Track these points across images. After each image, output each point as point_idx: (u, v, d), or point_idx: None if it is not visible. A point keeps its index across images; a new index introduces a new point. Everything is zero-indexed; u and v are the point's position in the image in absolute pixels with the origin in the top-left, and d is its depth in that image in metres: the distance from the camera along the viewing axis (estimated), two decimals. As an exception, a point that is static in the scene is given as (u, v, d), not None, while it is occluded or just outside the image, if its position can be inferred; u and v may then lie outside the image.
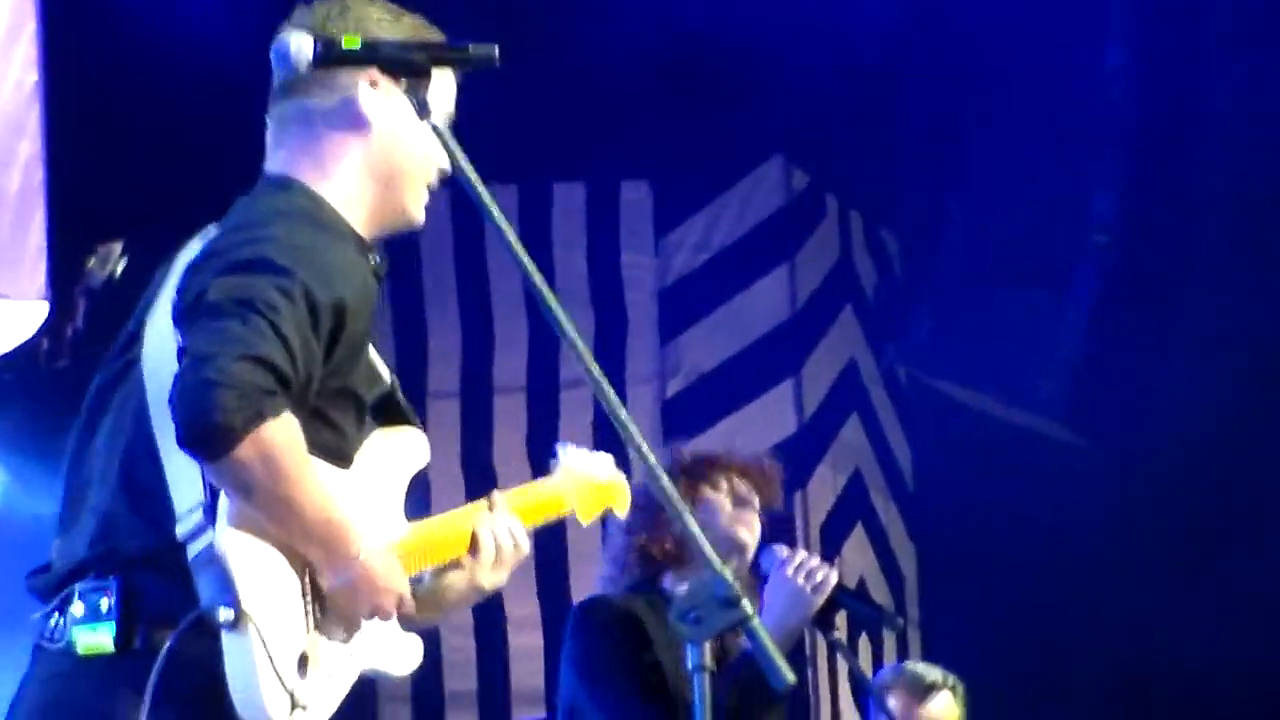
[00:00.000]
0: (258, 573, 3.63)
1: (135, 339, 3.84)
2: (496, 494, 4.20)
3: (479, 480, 9.68)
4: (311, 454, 3.69)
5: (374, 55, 3.88)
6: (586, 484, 4.53)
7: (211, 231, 3.87)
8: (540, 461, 9.67)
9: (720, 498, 5.74)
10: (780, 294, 10.23)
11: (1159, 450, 10.10)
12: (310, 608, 3.73)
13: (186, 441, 3.55)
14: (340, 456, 3.84)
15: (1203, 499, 10.24)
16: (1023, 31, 9.57)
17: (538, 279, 3.76)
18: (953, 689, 7.31)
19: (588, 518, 4.55)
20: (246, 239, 3.72)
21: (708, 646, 3.67)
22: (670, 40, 9.23)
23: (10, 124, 7.53)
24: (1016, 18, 9.51)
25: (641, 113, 9.49)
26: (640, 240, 10.07)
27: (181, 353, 3.62)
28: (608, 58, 9.14)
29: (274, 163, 3.98)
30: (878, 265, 10.75)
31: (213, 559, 3.59)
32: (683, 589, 4.96)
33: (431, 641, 9.82)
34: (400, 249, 9.69)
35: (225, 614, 3.56)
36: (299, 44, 3.82)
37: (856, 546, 10.26)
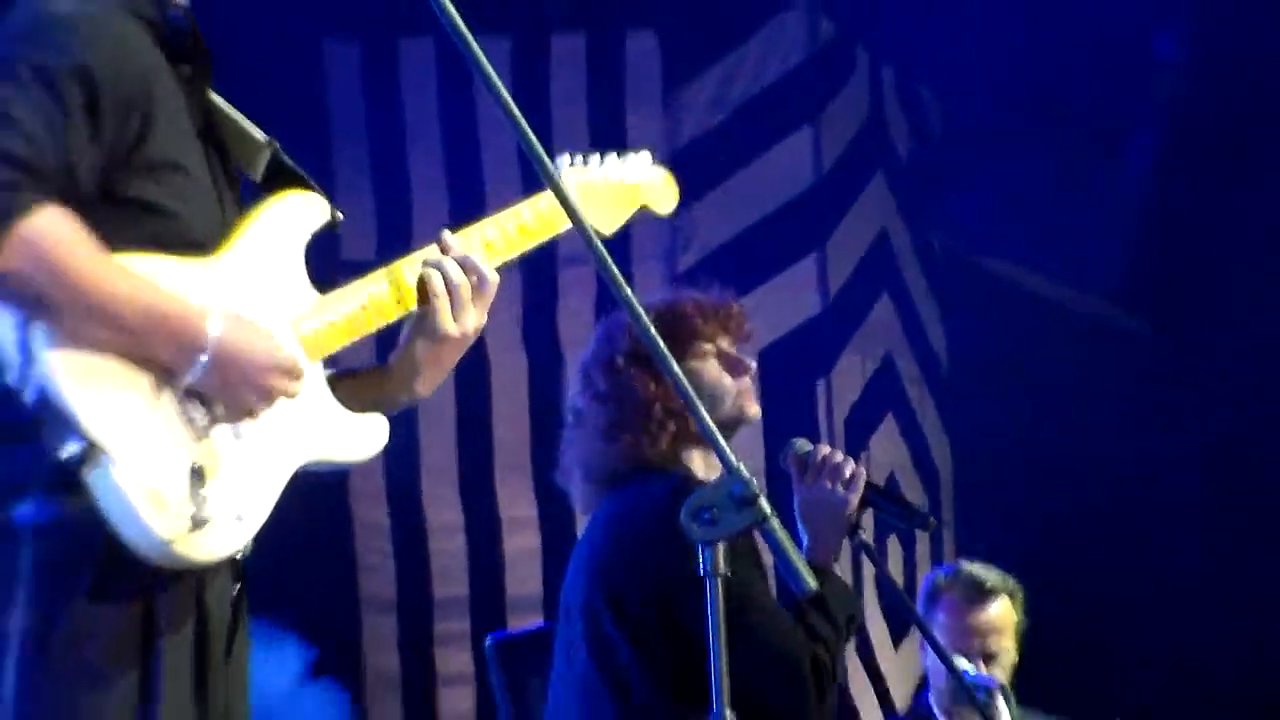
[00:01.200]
0: (100, 394, 3.61)
1: None
2: (446, 233, 4.19)
3: (470, 368, 9.70)
4: (138, 247, 3.69)
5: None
6: (603, 188, 4.54)
7: None
8: (537, 347, 9.81)
9: (709, 366, 5.72)
10: (803, 158, 10.24)
11: (1227, 338, 10.13)
12: (187, 414, 3.72)
13: None
14: (186, 243, 3.81)
15: (1256, 401, 10.26)
16: None
17: (531, 138, 3.79)
18: (1011, 594, 7.36)
19: (609, 227, 4.54)
20: None
21: (721, 548, 3.70)
22: None
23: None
24: None
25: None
26: (647, 97, 10.04)
27: None
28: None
29: None
30: (912, 126, 10.73)
31: (43, 395, 3.57)
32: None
33: (418, 545, 9.94)
34: (380, 105, 9.78)
35: (70, 449, 3.56)
36: None
37: (886, 440, 10.29)
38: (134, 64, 3.78)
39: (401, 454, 9.56)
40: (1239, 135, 10.19)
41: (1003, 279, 10.65)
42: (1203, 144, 10.14)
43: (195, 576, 3.78)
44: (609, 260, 3.80)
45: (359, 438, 4.03)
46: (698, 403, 3.82)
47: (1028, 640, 7.45)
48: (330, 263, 9.46)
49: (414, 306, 4.10)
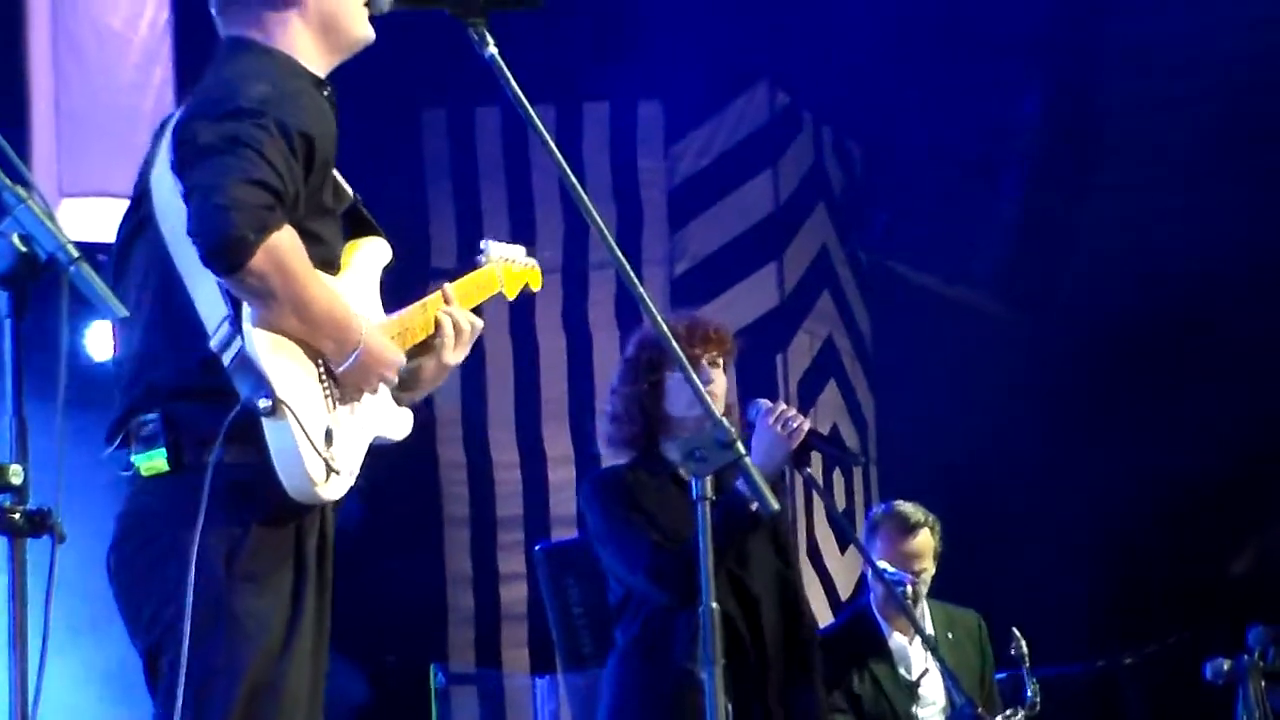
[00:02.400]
0: (283, 366, 3.60)
1: (144, 197, 3.79)
2: (447, 286, 4.15)
3: (524, 344, 9.67)
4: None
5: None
6: (510, 269, 4.52)
7: (188, 99, 3.84)
8: (573, 330, 9.79)
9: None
10: (765, 192, 10.18)
11: (1075, 322, 10.10)
12: (329, 389, 3.71)
13: (209, 260, 3.52)
14: (329, 264, 3.80)
15: (1112, 364, 10.23)
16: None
17: (572, 179, 3.76)
18: (931, 527, 7.27)
19: (512, 293, 4.55)
20: (220, 95, 3.69)
21: (709, 480, 3.68)
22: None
23: (147, 54, 7.49)
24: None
25: (655, 45, 9.43)
26: (653, 148, 10.00)
27: (188, 192, 3.58)
28: (628, 3, 9.10)
29: (230, 29, 3.92)
30: (844, 169, 10.69)
31: (245, 360, 3.56)
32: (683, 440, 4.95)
33: (485, 476, 9.89)
34: (461, 156, 9.74)
35: (264, 404, 3.54)
36: None
37: (829, 400, 10.24)
38: (331, 134, 3.80)
39: (473, 408, 9.54)
40: (1083, 166, 10.15)
41: (909, 279, 10.62)
42: (1056, 174, 10.10)
43: (319, 508, 3.75)
44: (626, 264, 3.76)
45: (401, 422, 3.99)
46: (699, 382, 3.79)
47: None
48: (423, 269, 9.50)
49: (427, 335, 4.06)
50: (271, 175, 3.55)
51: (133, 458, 3.68)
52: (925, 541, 7.20)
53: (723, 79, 10.00)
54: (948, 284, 10.53)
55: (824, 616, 9.46)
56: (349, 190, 3.99)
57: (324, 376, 3.71)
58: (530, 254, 4.55)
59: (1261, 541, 10.92)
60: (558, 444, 9.56)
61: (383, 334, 3.82)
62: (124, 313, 3.28)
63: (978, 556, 8.13)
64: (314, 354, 3.68)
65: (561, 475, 9.53)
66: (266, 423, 3.56)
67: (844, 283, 10.57)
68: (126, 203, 3.91)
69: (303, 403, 3.61)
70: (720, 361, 5.59)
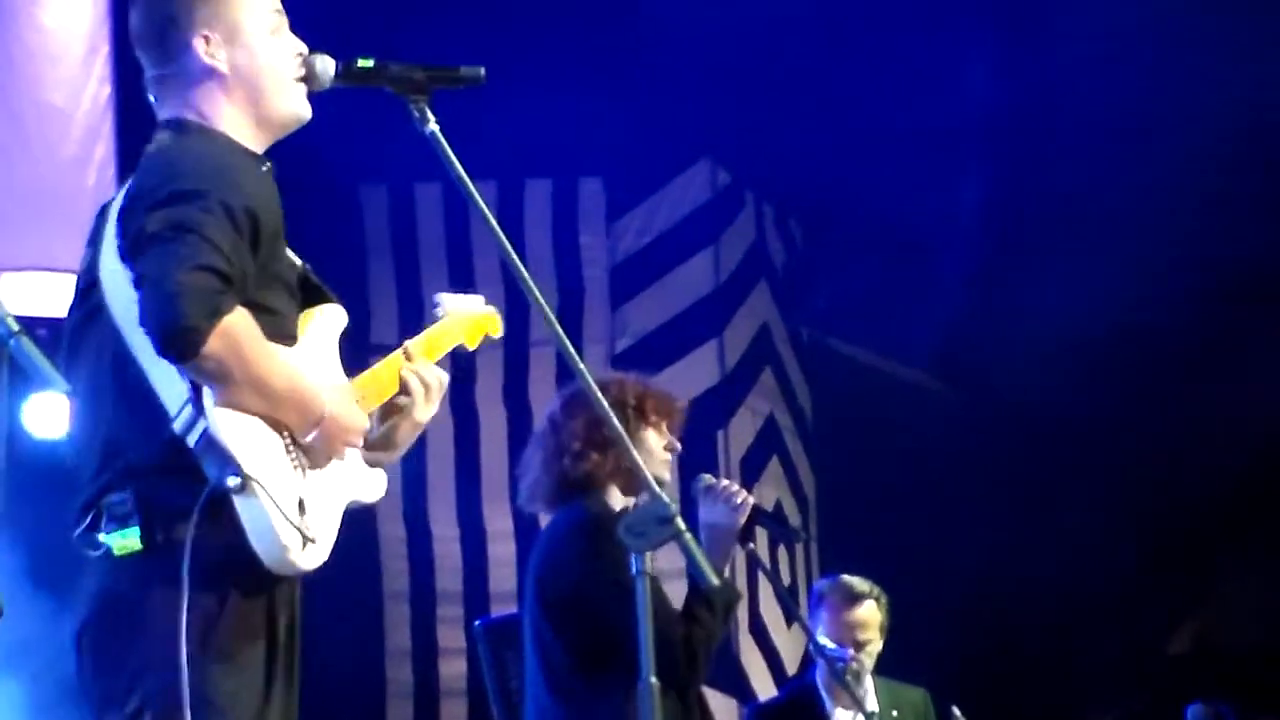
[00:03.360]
0: (248, 443, 3.60)
1: (93, 286, 3.78)
2: (408, 343, 4.14)
3: (465, 420, 9.66)
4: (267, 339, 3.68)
5: (383, 73, 3.88)
6: (467, 319, 4.46)
7: (129, 183, 3.84)
8: (514, 406, 9.78)
9: (651, 435, 5.66)
10: (707, 270, 10.21)
11: (1013, 401, 10.15)
12: (297, 460, 3.70)
13: (164, 349, 3.53)
14: (285, 335, 3.80)
15: (1046, 446, 10.28)
16: (901, 49, 9.58)
17: (513, 255, 3.76)
18: (877, 599, 7.28)
19: (473, 343, 4.48)
20: (160, 179, 3.70)
21: (648, 555, 3.67)
22: (622, 63, 9.25)
23: (89, 130, 7.48)
24: (896, 39, 9.54)
25: (596, 123, 9.47)
26: (595, 225, 10.03)
27: (137, 281, 3.58)
28: (572, 78, 9.13)
29: (164, 111, 3.94)
30: (785, 247, 10.73)
31: (210, 441, 3.56)
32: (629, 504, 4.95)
33: (425, 550, 9.87)
34: (401, 232, 9.76)
35: (234, 481, 3.53)
36: (324, 64, 3.85)
37: (772, 476, 10.24)
38: (275, 207, 3.79)
39: (413, 483, 9.52)
40: (1022, 249, 10.22)
41: (850, 357, 10.66)
42: (995, 256, 10.16)
43: (289, 580, 3.76)
44: (567, 342, 3.76)
45: (374, 484, 3.98)
46: (635, 453, 3.80)
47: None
48: (363, 345, 9.46)
49: (393, 393, 4.04)
50: (218, 259, 3.55)
51: (105, 537, 3.65)
52: (870, 613, 7.20)
53: (664, 157, 10.05)
54: (888, 361, 10.57)
55: (766, 691, 9.47)
56: (296, 260, 4.00)
57: (290, 446, 3.70)
58: (487, 301, 4.49)
59: (1202, 619, 10.96)
60: (498, 519, 9.54)
61: (349, 397, 3.82)
62: (65, 387, 3.28)
63: (920, 633, 8.13)
64: (278, 425, 3.68)
65: (502, 550, 9.51)
66: (238, 499, 3.56)
67: (785, 360, 10.59)
68: (67, 277, 3.91)
69: (272, 475, 3.61)
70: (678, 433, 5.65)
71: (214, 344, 3.51)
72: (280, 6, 4.02)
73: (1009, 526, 10.19)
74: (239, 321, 3.57)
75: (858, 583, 7.28)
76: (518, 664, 6.00)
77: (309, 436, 3.71)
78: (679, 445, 5.67)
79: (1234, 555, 10.58)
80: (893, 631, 7.25)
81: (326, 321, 3.99)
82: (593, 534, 5.43)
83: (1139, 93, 9.55)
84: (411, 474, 9.54)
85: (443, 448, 9.58)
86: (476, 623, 6.66)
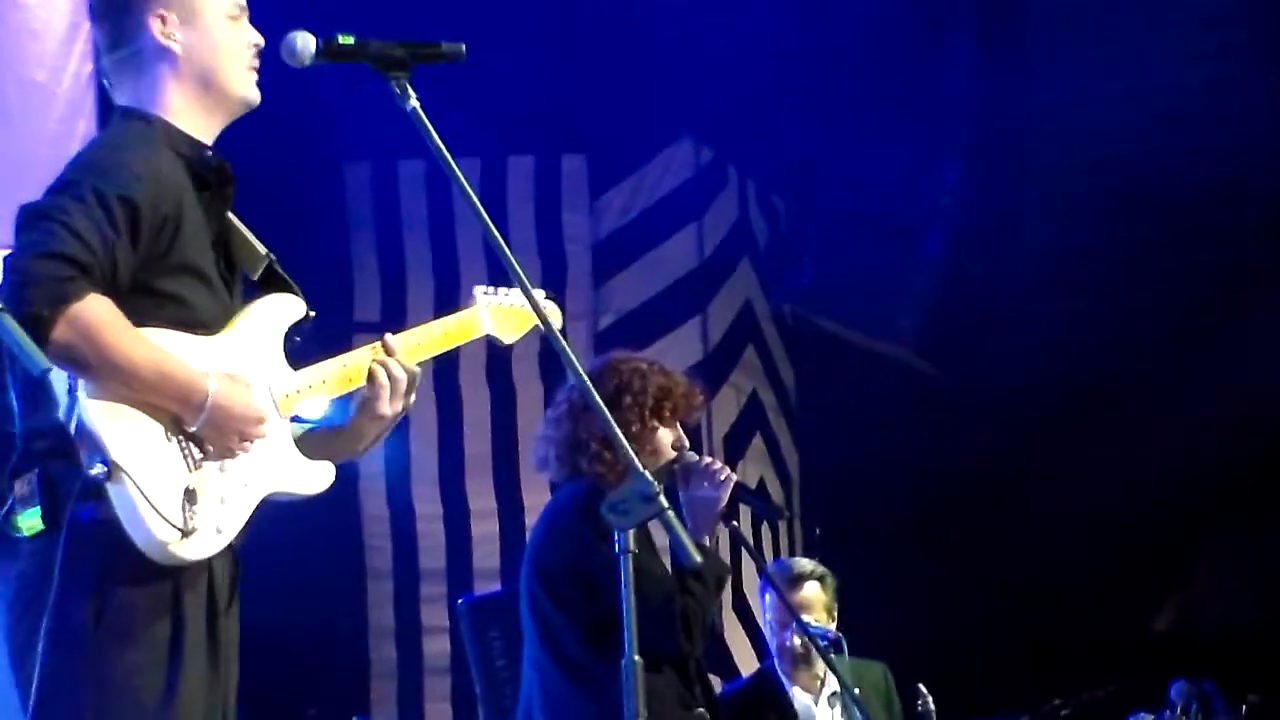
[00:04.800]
0: (122, 431, 3.59)
1: None
2: (389, 337, 4.11)
3: (448, 398, 9.65)
4: (161, 326, 3.68)
5: (364, 50, 3.86)
6: (504, 310, 4.44)
7: None
8: (497, 385, 9.77)
9: (663, 434, 5.63)
10: (690, 247, 10.20)
11: (996, 378, 10.15)
12: (186, 450, 3.69)
13: None
14: (196, 324, 3.78)
15: (1032, 420, 10.29)
16: (884, 32, 9.58)
17: (495, 233, 3.76)
18: (820, 579, 7.30)
19: (511, 337, 4.49)
20: (65, 169, 3.74)
21: (631, 533, 3.67)
22: (604, 40, 9.24)
23: (71, 106, 7.46)
24: (879, 22, 9.54)
25: (579, 100, 9.46)
26: (578, 202, 10.01)
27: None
28: (555, 55, 9.12)
29: (118, 97, 3.97)
30: (769, 224, 10.71)
31: (82, 428, 3.56)
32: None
33: (409, 529, 9.88)
34: (385, 209, 9.75)
35: (98, 469, 3.52)
36: (304, 41, 3.83)
37: (755, 454, 10.25)
38: (168, 192, 3.76)
39: (396, 461, 9.52)
40: (1003, 226, 10.23)
41: (833, 334, 10.65)
42: (977, 232, 10.17)
43: (204, 566, 3.74)
44: (552, 324, 3.76)
45: (312, 477, 3.94)
46: (620, 435, 3.79)
47: (857, 600, 7.38)
48: (346, 323, 9.48)
49: (361, 384, 4.02)
50: (73, 245, 3.56)
51: (17, 518, 3.67)
52: (815, 594, 7.23)
53: (647, 133, 10.03)
54: (871, 339, 10.57)
55: (751, 669, 9.47)
56: (261, 250, 3.99)
57: (173, 435, 3.68)
58: (548, 297, 4.35)
59: (1184, 597, 10.99)
60: (481, 498, 9.54)
61: (239, 385, 3.77)
62: (45, 365, 3.27)
63: (900, 609, 8.17)
64: (157, 414, 3.66)
65: (485, 529, 9.51)
66: (110, 487, 3.55)
67: (768, 337, 10.59)
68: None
69: (145, 464, 3.59)
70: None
71: (60, 330, 3.51)
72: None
73: (991, 504, 10.20)
74: (93, 307, 3.56)
75: (801, 563, 7.35)
76: (500, 641, 6.01)
77: (195, 425, 3.69)
78: (686, 442, 5.65)
79: (1215, 533, 10.60)
80: (873, 608, 7.26)
81: (269, 311, 3.97)
82: (593, 509, 5.43)
83: (1119, 72, 9.58)
84: (394, 453, 9.53)
85: (426, 426, 9.58)
86: (460, 601, 6.67)
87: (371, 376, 4.02)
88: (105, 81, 4.00)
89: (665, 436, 5.59)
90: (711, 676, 8.39)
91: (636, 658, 3.66)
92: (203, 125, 3.93)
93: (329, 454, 4.04)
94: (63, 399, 3.59)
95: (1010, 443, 10.23)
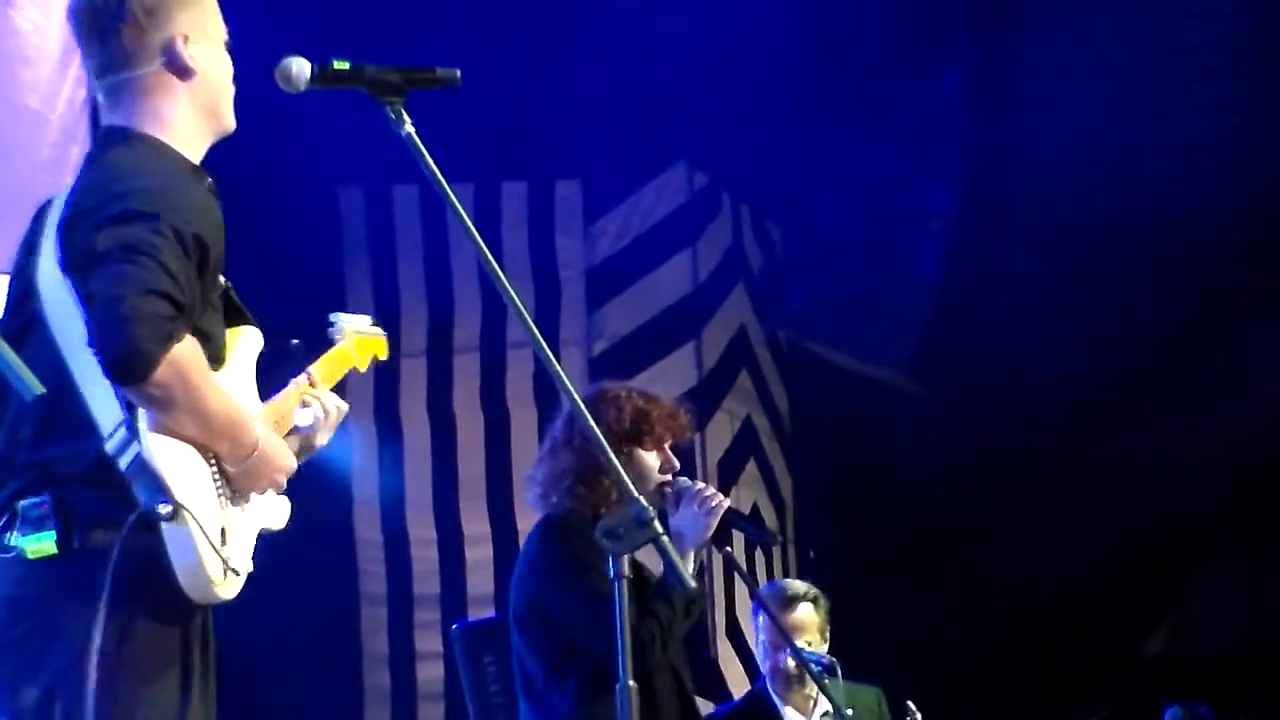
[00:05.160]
0: (180, 470, 3.57)
1: (28, 297, 3.75)
2: (311, 368, 4.09)
3: (441, 423, 9.66)
4: None
5: (359, 76, 3.86)
6: (360, 340, 4.42)
7: (65, 193, 3.81)
8: (491, 409, 9.77)
9: (649, 461, 5.62)
10: (684, 272, 10.21)
11: (989, 403, 10.17)
12: (222, 489, 3.68)
13: (114, 373, 3.50)
14: (216, 360, 3.77)
15: (1022, 449, 10.30)
16: (877, 59, 9.61)
17: (489, 258, 3.75)
18: (814, 600, 7.29)
19: (364, 365, 4.44)
20: (110, 194, 3.67)
21: (626, 559, 3.66)
22: (598, 66, 9.25)
23: (65, 132, 7.45)
24: (871, 49, 9.56)
25: (573, 125, 9.47)
26: (572, 227, 10.03)
27: (86, 299, 3.56)
28: (549, 81, 9.13)
29: (115, 118, 3.90)
30: (763, 249, 10.73)
31: (143, 465, 3.53)
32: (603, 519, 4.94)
33: (403, 554, 9.85)
34: (379, 234, 9.77)
35: (164, 509, 3.50)
36: (300, 66, 3.83)
37: (749, 479, 10.25)
38: (219, 230, 3.75)
39: (391, 488, 9.51)
40: (996, 253, 10.24)
41: (827, 359, 10.67)
42: (970, 259, 10.19)
43: (203, 609, 3.73)
44: (545, 347, 3.75)
45: (280, 512, 3.95)
46: (614, 459, 3.78)
47: (850, 623, 7.37)
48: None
49: (295, 422, 4.02)
50: (171, 285, 3.53)
51: (19, 540, 3.61)
52: (808, 615, 7.22)
53: (641, 159, 10.05)
54: (864, 364, 10.59)
55: (744, 692, 9.46)
56: (221, 279, 4.00)
57: (217, 476, 3.68)
58: (375, 323, 4.43)
59: (1175, 622, 10.99)
60: (475, 523, 9.54)
61: (278, 437, 3.80)
62: (40, 390, 3.25)
63: (893, 633, 8.17)
64: (208, 454, 3.66)
65: (479, 554, 9.50)
66: (165, 526, 3.53)
67: (762, 362, 10.60)
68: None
69: (200, 505, 3.59)
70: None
71: (163, 371, 3.48)
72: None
73: (985, 529, 10.21)
74: (188, 350, 3.54)
75: (794, 585, 7.33)
76: (494, 667, 6.00)
77: (239, 468, 3.70)
78: (676, 464, 5.64)
79: (1208, 558, 10.61)
80: (868, 632, 7.26)
81: (245, 345, 3.97)
82: (547, 540, 5.43)
83: (1111, 95, 9.60)
84: (389, 478, 9.53)
85: (419, 451, 9.57)
86: (454, 626, 6.66)
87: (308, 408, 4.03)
88: (99, 94, 3.94)
89: (649, 460, 5.58)
90: (705, 701, 8.38)
91: (631, 683, 3.65)
92: (198, 149, 3.91)
93: None
94: (112, 434, 3.57)
95: (1003, 468, 10.24)
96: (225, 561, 3.61)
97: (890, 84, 9.71)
